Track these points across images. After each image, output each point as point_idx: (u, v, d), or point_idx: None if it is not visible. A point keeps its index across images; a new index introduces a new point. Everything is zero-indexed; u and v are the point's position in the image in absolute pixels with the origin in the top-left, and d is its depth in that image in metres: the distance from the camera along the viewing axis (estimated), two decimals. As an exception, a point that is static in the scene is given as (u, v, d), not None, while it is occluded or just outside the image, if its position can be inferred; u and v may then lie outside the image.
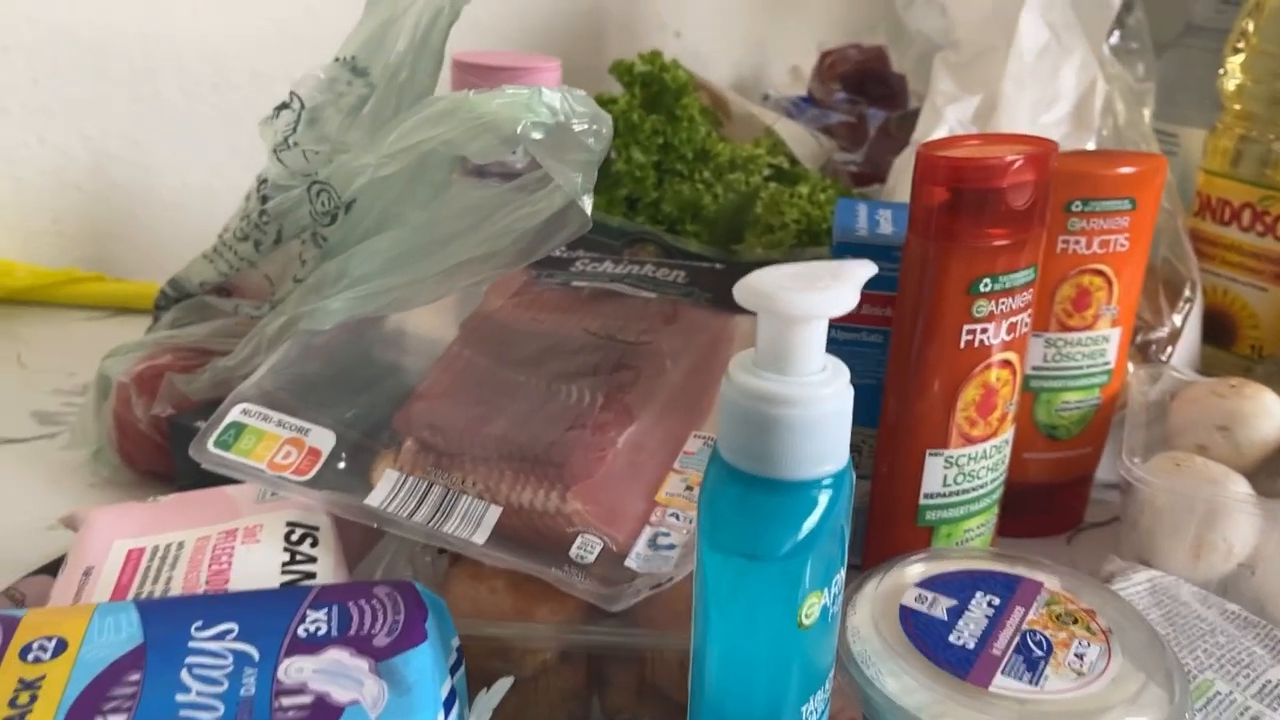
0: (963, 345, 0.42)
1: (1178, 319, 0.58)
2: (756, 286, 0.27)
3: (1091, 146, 0.59)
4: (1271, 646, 0.40)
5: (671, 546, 0.40)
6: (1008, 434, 0.45)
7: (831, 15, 1.00)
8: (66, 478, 0.56)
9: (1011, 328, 0.43)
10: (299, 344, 0.47)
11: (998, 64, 0.61)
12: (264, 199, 0.48)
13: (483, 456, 0.43)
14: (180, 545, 0.40)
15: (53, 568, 0.46)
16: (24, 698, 0.26)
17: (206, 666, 0.28)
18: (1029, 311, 0.43)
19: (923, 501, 0.44)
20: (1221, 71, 0.60)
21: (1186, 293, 0.58)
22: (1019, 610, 0.35)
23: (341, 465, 0.43)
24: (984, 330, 0.42)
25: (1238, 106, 0.60)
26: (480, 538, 0.39)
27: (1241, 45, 0.60)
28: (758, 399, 0.27)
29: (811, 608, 0.28)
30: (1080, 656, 0.33)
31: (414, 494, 0.41)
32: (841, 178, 0.65)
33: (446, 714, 0.29)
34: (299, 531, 0.41)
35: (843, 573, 0.30)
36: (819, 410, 0.27)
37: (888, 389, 0.45)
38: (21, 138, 0.76)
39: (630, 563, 0.39)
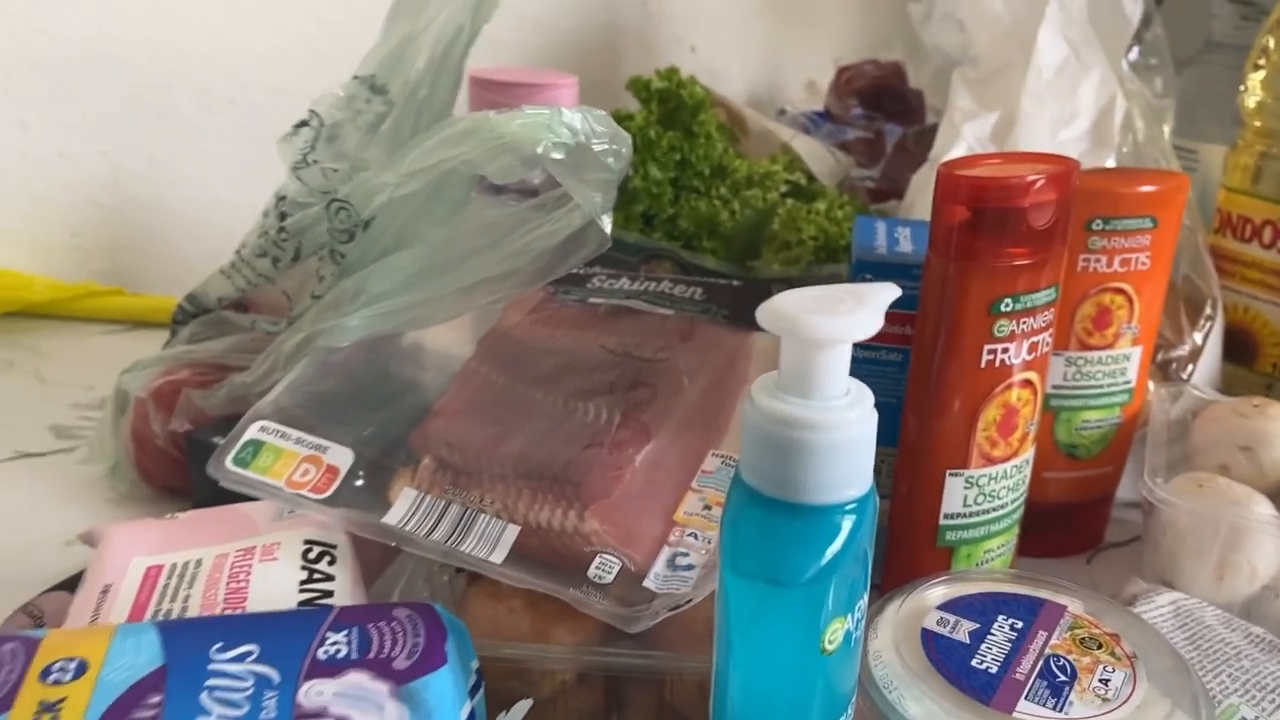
0: (983, 365, 0.41)
1: (1199, 337, 0.57)
2: (780, 310, 0.27)
3: (1111, 163, 0.59)
4: (1298, 671, 0.39)
5: (690, 567, 0.40)
6: (1028, 454, 0.45)
7: (848, 30, 1.00)
8: (84, 492, 0.56)
9: (1033, 347, 0.42)
10: (316, 361, 0.47)
11: (1016, 80, 0.60)
12: (282, 216, 0.48)
13: (500, 475, 0.43)
14: (198, 563, 0.40)
15: (70, 584, 0.46)
16: (45, 719, 0.26)
17: (227, 689, 0.28)
18: (1050, 331, 0.43)
19: (943, 522, 0.44)
20: (1242, 88, 0.60)
21: (1208, 310, 0.58)
22: (1042, 634, 0.35)
23: (359, 483, 0.43)
24: (1005, 350, 0.42)
25: (1258, 123, 0.60)
26: (498, 557, 0.39)
27: (1262, 62, 0.60)
28: (780, 423, 0.27)
29: (835, 633, 0.28)
30: (1105, 682, 0.33)
31: (431, 512, 0.41)
32: (859, 193, 0.65)
33: (466, 737, 0.28)
34: (316, 549, 0.41)
35: (866, 597, 0.30)
36: (843, 435, 0.27)
37: (907, 408, 0.44)
38: (41, 152, 0.76)
39: (649, 583, 0.39)
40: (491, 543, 0.40)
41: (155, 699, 0.27)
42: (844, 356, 0.28)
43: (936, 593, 0.37)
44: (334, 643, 0.30)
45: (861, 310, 0.27)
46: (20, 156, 0.76)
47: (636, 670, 0.38)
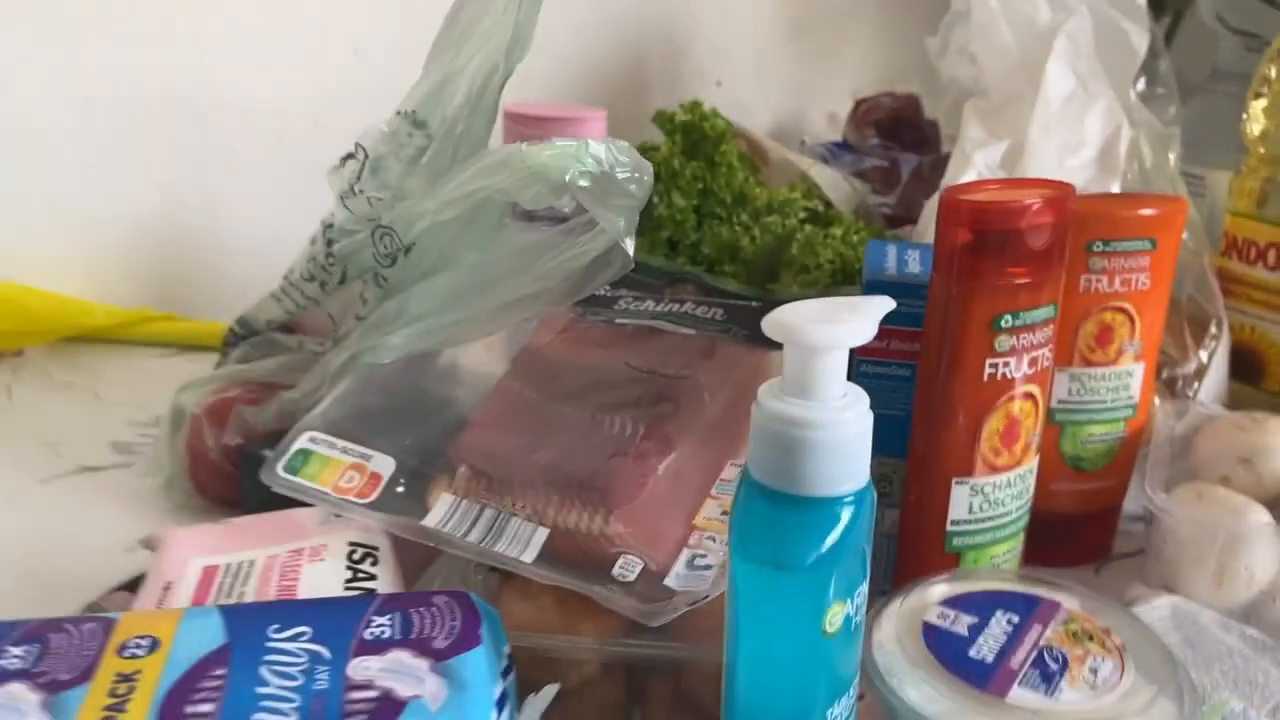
0: (986, 378, 0.44)
1: (1204, 355, 0.59)
2: (782, 320, 0.29)
3: (1116, 190, 0.61)
4: (1290, 670, 0.41)
5: (708, 567, 0.42)
6: (1031, 463, 0.47)
7: (867, 63, 1.03)
8: (142, 503, 0.60)
9: (1033, 361, 0.45)
10: (360, 377, 0.50)
11: (1025, 111, 0.63)
12: (329, 242, 0.52)
13: (531, 482, 0.46)
14: (252, 563, 0.43)
15: (132, 585, 0.50)
16: (123, 688, 0.29)
17: (283, 664, 0.31)
18: (1050, 346, 0.46)
19: (950, 528, 0.46)
20: (1245, 116, 0.62)
21: (1212, 329, 0.60)
22: (1037, 628, 0.37)
23: (400, 489, 0.46)
24: (1006, 364, 0.44)
25: (1261, 150, 0.62)
26: (529, 557, 0.42)
27: (1264, 91, 0.62)
28: (784, 422, 0.30)
29: (835, 616, 0.31)
30: (1094, 671, 0.35)
31: (468, 516, 0.44)
32: (875, 220, 0.68)
33: (499, 713, 0.31)
34: (360, 551, 0.44)
35: (865, 586, 0.32)
36: (840, 433, 0.30)
37: (915, 420, 0.47)
38: (100, 187, 0.81)
39: (669, 582, 0.42)
40: (523, 544, 0.43)
41: (220, 671, 0.30)
42: (841, 361, 0.30)
43: (939, 590, 0.39)
44: (379, 625, 0.32)
45: (856, 320, 0.30)
46: (81, 191, 0.80)
47: (657, 661, 0.41)
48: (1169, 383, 0.59)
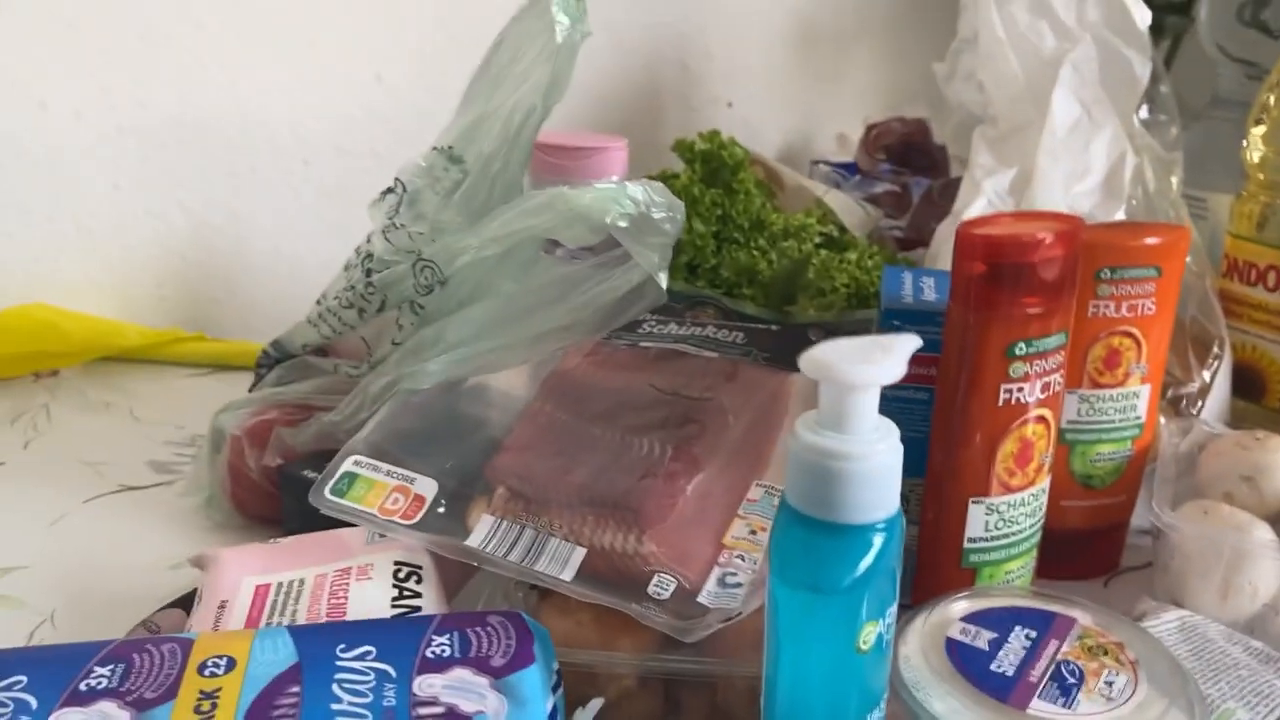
0: (1001, 403, 0.46)
1: (1207, 375, 0.61)
2: (820, 359, 0.32)
3: (1121, 215, 0.63)
4: (1292, 680, 0.43)
5: (739, 585, 0.44)
6: (1044, 483, 0.49)
7: (876, 86, 1.05)
8: (183, 522, 0.62)
9: (1045, 386, 0.47)
10: (399, 402, 0.53)
11: (1032, 138, 0.65)
12: (369, 272, 0.54)
13: (566, 503, 0.48)
14: (302, 582, 0.45)
15: (182, 602, 0.52)
16: (206, 705, 0.32)
17: (353, 681, 0.33)
18: (1061, 371, 0.48)
19: (966, 545, 0.48)
20: (1245, 143, 0.65)
21: (1215, 350, 0.62)
22: (1054, 643, 0.39)
23: (441, 510, 0.48)
24: (1020, 389, 0.46)
25: (1261, 175, 0.64)
26: (568, 575, 0.44)
27: (1263, 118, 0.64)
28: (820, 454, 0.32)
29: (868, 635, 0.33)
30: (1110, 684, 0.37)
31: (508, 536, 0.46)
32: (887, 243, 0.70)
33: (552, 726, 0.33)
34: (405, 569, 0.46)
35: (895, 606, 0.35)
36: (873, 464, 0.32)
37: (933, 442, 0.49)
38: (130, 210, 0.83)
39: (702, 599, 0.44)
40: (562, 562, 0.45)
41: (295, 689, 0.32)
42: (874, 398, 0.32)
43: (960, 606, 0.41)
44: (440, 644, 0.35)
45: (888, 359, 0.32)
46: (112, 215, 0.82)
47: (692, 675, 0.43)
48: (1174, 402, 0.61)
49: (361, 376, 0.59)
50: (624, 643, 0.44)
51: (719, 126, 0.99)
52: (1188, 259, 0.63)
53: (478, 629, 0.35)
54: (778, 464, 0.52)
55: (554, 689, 0.35)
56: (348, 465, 0.49)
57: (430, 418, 0.54)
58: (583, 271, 0.47)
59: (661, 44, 0.97)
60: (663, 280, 0.43)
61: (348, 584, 0.45)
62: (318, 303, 0.63)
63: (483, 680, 0.33)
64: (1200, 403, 0.61)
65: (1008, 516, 0.48)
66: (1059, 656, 0.39)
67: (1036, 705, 0.36)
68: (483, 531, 0.46)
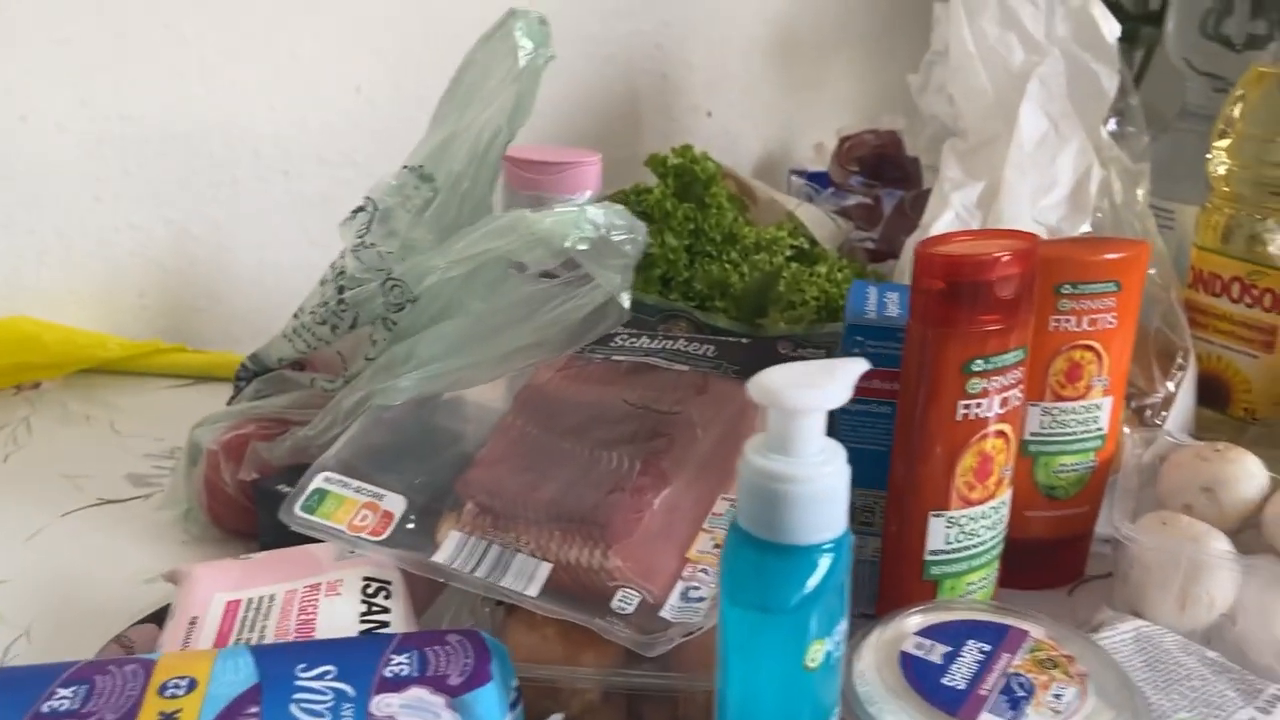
0: (959, 418, 0.47)
1: (1171, 385, 0.62)
2: (765, 385, 0.32)
3: (1087, 228, 0.64)
4: (1243, 690, 0.44)
5: (701, 599, 0.45)
6: (1005, 496, 0.50)
7: (855, 95, 1.06)
8: (160, 535, 0.62)
9: (1004, 402, 0.48)
10: (371, 418, 0.53)
11: (1001, 151, 0.66)
12: (341, 289, 0.55)
13: (534, 519, 0.49)
14: (272, 598, 0.46)
15: (155, 617, 0.52)
16: (166, 726, 0.32)
17: (311, 701, 0.33)
18: (1020, 386, 0.49)
19: (927, 558, 0.49)
20: (1209, 156, 0.65)
21: (1179, 360, 0.63)
22: (1006, 656, 0.40)
23: (410, 526, 0.49)
24: (978, 405, 0.47)
25: (1225, 189, 0.65)
26: (533, 590, 0.45)
27: (1228, 131, 0.65)
28: (768, 477, 0.33)
29: (816, 653, 0.34)
30: (1058, 697, 0.38)
31: (475, 552, 0.47)
32: (858, 255, 0.71)
33: (509, 743, 0.34)
34: (374, 585, 0.47)
35: (844, 623, 0.35)
36: (819, 486, 0.33)
37: (894, 456, 0.50)
38: (112, 222, 0.84)
39: (665, 613, 0.44)
40: (527, 578, 0.46)
41: (254, 709, 0.33)
42: (819, 422, 0.33)
43: (915, 620, 0.42)
44: (398, 663, 0.35)
45: (832, 385, 0.32)
46: (93, 227, 0.83)
47: (654, 689, 0.44)
48: (1138, 411, 0.62)
49: (337, 391, 0.59)
50: (588, 657, 0.45)
51: (699, 136, 1.01)
52: (1152, 271, 0.64)
53: (436, 648, 0.36)
54: (744, 477, 0.52)
55: (512, 706, 0.36)
56: (318, 482, 0.49)
57: (402, 433, 0.55)
58: (548, 290, 0.48)
59: (641, 54, 0.98)
60: (625, 300, 0.44)
61: (317, 600, 0.46)
62: (295, 316, 0.64)
63: (439, 700, 0.34)
64: (1164, 413, 0.62)
65: (968, 529, 0.49)
66: (1010, 669, 0.39)
67: (985, 719, 0.37)
68: (450, 547, 0.47)
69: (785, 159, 1.03)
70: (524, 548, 0.47)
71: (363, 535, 0.47)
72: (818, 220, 0.69)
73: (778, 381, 0.32)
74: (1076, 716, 0.37)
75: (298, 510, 0.48)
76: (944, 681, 0.39)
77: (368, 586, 0.47)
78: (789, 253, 0.66)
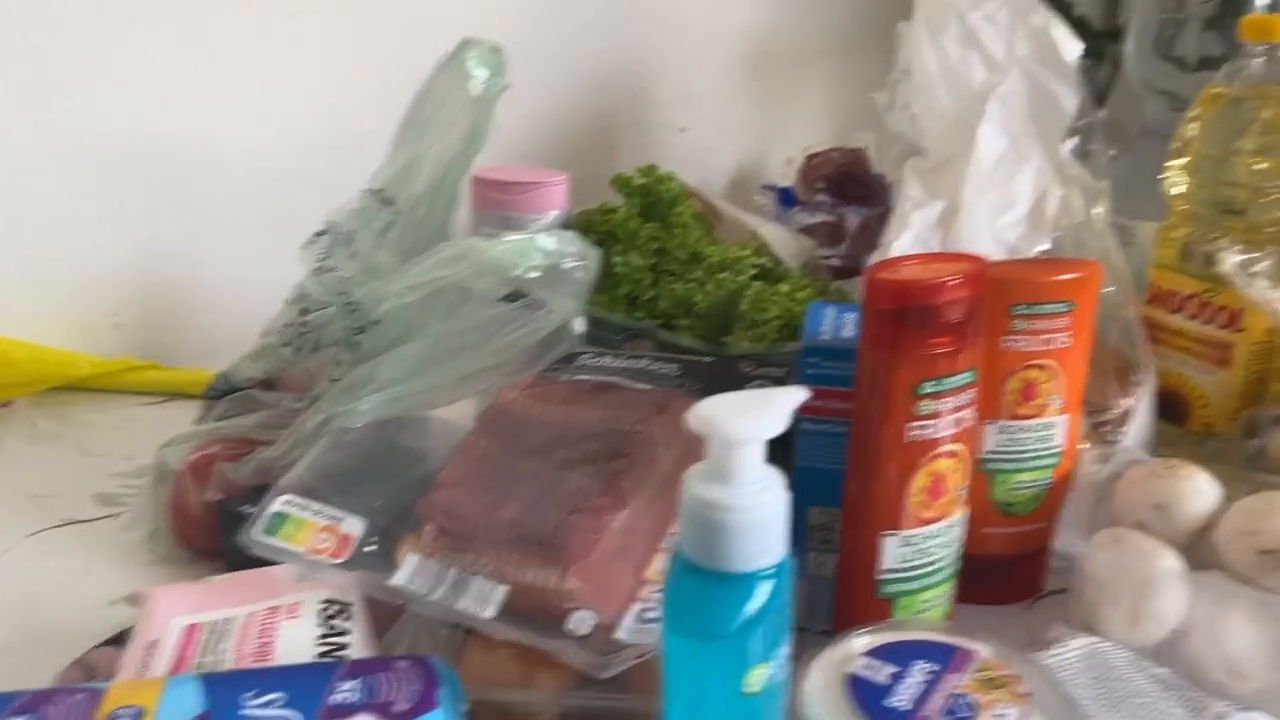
0: (910, 439, 0.48)
1: (1129, 402, 0.63)
2: (704, 415, 0.33)
3: (1046, 247, 0.65)
4: (1190, 707, 0.45)
5: (655, 620, 0.46)
6: (958, 514, 0.51)
7: (829, 111, 1.07)
8: (126, 555, 0.62)
9: (956, 422, 0.48)
10: (333, 439, 0.54)
11: (961, 170, 0.67)
12: (304, 311, 0.55)
13: (494, 540, 0.49)
14: (231, 621, 0.46)
15: (118, 639, 0.52)
16: (113, 755, 0.33)
17: (259, 729, 0.34)
18: (972, 407, 0.49)
19: (881, 576, 0.50)
20: (1165, 176, 0.66)
21: (1137, 376, 0.64)
22: (952, 676, 0.41)
23: (370, 548, 0.49)
24: (929, 425, 0.48)
25: (1182, 208, 0.66)
26: (489, 613, 0.45)
27: (1184, 150, 0.66)
28: (707, 506, 0.33)
29: (757, 678, 0.34)
30: (1000, 717, 0.39)
31: (433, 575, 0.47)
32: (823, 273, 0.71)
33: (455, 768, 0.34)
34: (334, 608, 0.47)
35: (786, 646, 0.36)
36: (757, 514, 0.33)
37: (848, 475, 0.50)
38: (82, 241, 0.84)
39: (619, 634, 0.45)
40: (484, 601, 0.46)
41: (201, 737, 0.33)
42: (757, 450, 0.34)
43: (865, 640, 0.43)
44: (345, 690, 0.36)
45: (769, 414, 0.33)
46: (63, 245, 0.83)
47: (608, 711, 0.44)
48: (1097, 427, 0.63)
49: (303, 411, 0.60)
50: (544, 678, 0.45)
51: (673, 151, 1.01)
52: (1110, 288, 0.65)
53: (384, 674, 0.36)
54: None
55: (462, 730, 0.37)
56: (278, 505, 0.50)
57: (365, 454, 0.55)
58: (505, 314, 0.48)
59: (614, 70, 0.99)
60: (578, 326, 0.45)
61: (276, 623, 0.46)
62: (262, 336, 0.65)
63: (386, 726, 0.34)
64: (1123, 428, 0.63)
65: (921, 548, 0.49)
66: (955, 690, 0.40)
67: (928, 740, 0.37)
68: (408, 570, 0.48)
69: (758, 174, 1.04)
70: (482, 570, 0.47)
71: (321, 558, 0.48)
72: (782, 239, 0.70)
73: (716, 411, 0.33)
74: (1018, 737, 0.38)
75: (257, 534, 0.49)
76: (888, 703, 0.39)
77: (327, 609, 0.47)
78: (752, 271, 0.67)
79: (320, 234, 0.54)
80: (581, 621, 0.45)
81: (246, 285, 0.90)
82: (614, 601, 0.47)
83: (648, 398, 0.59)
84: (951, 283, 0.46)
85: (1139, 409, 0.64)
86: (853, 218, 0.76)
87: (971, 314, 0.47)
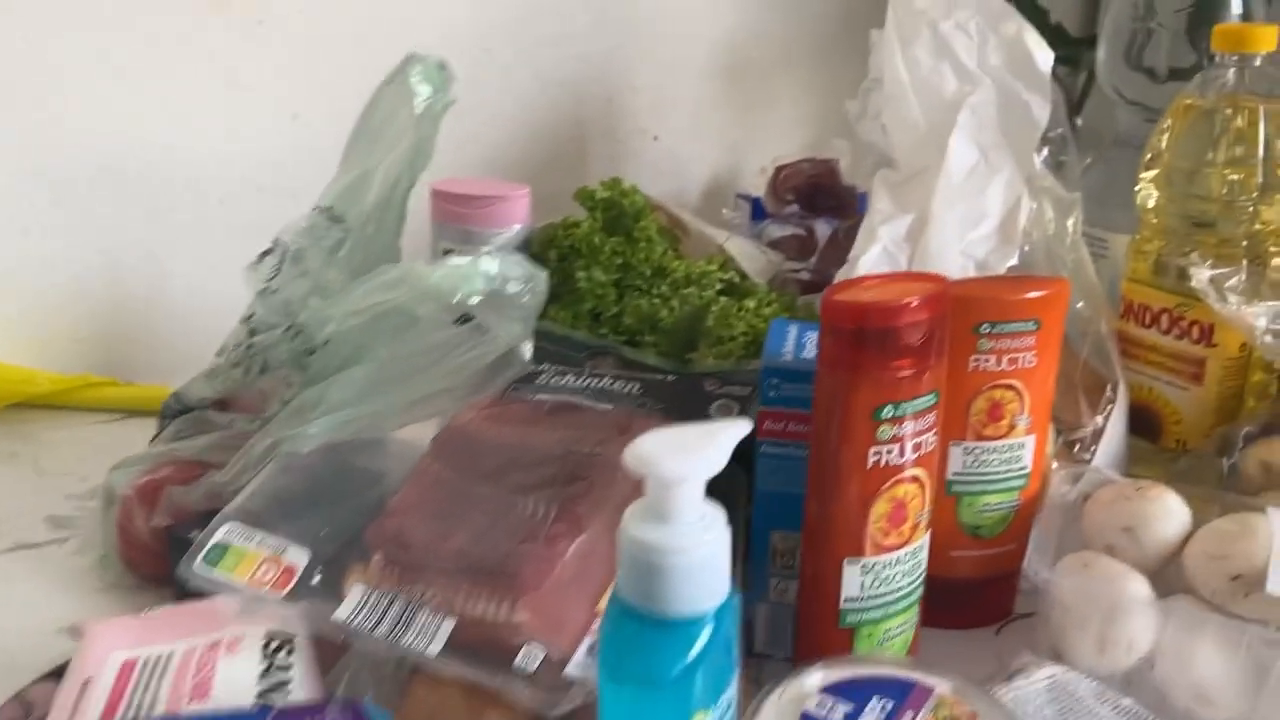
0: (870, 465, 0.46)
1: (1100, 419, 0.62)
2: (641, 453, 0.32)
3: (1015, 261, 0.64)
4: (1156, 740, 0.44)
5: (607, 654, 0.44)
6: (921, 540, 0.49)
7: (802, 117, 1.06)
8: (76, 582, 0.61)
9: (917, 447, 0.47)
10: (280, 465, 0.52)
11: (931, 183, 0.66)
12: (252, 332, 0.54)
13: (443, 570, 0.47)
14: (169, 657, 0.45)
15: (59, 673, 0.51)
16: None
17: (179, 781, 0.32)
18: (934, 430, 0.48)
19: (843, 605, 0.48)
20: (1138, 188, 0.65)
21: (1108, 394, 0.63)
22: (910, 713, 0.40)
23: (315, 580, 0.48)
24: (890, 451, 0.46)
25: (1154, 221, 0.65)
26: (434, 649, 0.44)
27: (1154, 163, 0.65)
28: (645, 548, 0.32)
29: (699, 724, 0.33)
30: (957, 758, 0.37)
31: (378, 608, 0.46)
32: (791, 286, 0.70)
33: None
34: (277, 641, 0.46)
35: (732, 689, 0.35)
36: (697, 556, 0.32)
37: (808, 501, 0.49)
38: (42, 254, 0.82)
39: (570, 670, 0.44)
40: (430, 635, 0.45)
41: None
42: (696, 489, 0.32)
43: (819, 677, 0.41)
44: (273, 738, 0.34)
45: (710, 450, 0.32)
46: (24, 260, 0.81)
47: (557, 750, 0.43)
48: (1069, 445, 0.62)
49: (255, 432, 0.58)
50: (493, 715, 0.44)
51: (645, 159, 1.00)
52: (1080, 304, 0.64)
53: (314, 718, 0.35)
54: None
55: (396, 777, 0.35)
56: (220, 535, 0.48)
57: (315, 478, 0.54)
58: (454, 337, 0.47)
59: (586, 78, 0.97)
60: (526, 351, 0.43)
61: (216, 658, 0.45)
62: (217, 355, 0.63)
63: (312, 777, 0.33)
64: (1094, 446, 0.62)
65: (883, 576, 0.48)
66: (911, 729, 0.39)
67: (880, 784, 0.36)
68: (352, 602, 0.46)
69: (733, 183, 1.02)
70: (429, 602, 0.46)
71: (264, 591, 0.46)
72: (748, 253, 0.68)
73: (653, 449, 0.32)
74: (974, 778, 0.36)
75: (198, 566, 0.47)
76: (842, 743, 0.38)
77: (269, 643, 0.46)
78: (718, 287, 0.66)
79: (266, 253, 0.53)
80: (531, 657, 0.44)
81: (210, 297, 0.88)
82: (566, 635, 0.45)
83: (609, 418, 0.58)
84: (912, 304, 0.45)
85: (1110, 427, 0.62)
86: (823, 230, 0.75)
87: (933, 336, 0.46)
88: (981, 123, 0.67)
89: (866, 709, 0.40)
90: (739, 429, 0.33)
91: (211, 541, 0.48)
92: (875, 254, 0.63)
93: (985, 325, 0.52)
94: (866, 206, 0.69)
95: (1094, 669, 0.49)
